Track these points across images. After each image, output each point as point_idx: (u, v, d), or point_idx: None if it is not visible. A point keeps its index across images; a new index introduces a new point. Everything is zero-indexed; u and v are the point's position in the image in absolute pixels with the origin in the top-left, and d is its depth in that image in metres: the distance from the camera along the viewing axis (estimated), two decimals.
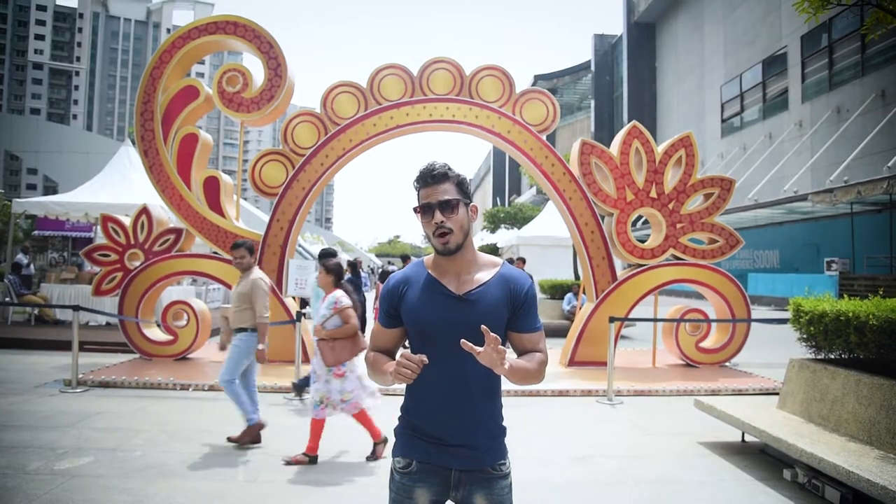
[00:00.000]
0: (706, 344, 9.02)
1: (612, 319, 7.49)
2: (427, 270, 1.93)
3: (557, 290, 14.37)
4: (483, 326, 1.67)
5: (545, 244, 17.39)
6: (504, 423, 1.97)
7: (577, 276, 14.94)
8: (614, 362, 7.31)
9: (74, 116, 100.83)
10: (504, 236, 24.23)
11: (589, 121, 49.90)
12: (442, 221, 1.83)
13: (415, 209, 1.91)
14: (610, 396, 6.98)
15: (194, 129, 8.88)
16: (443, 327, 1.83)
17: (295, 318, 7.71)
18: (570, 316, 12.45)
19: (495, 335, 1.66)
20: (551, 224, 17.02)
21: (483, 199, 79.47)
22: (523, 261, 12.06)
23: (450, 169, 1.90)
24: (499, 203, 52.82)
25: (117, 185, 13.27)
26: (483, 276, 1.90)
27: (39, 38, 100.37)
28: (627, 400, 7.07)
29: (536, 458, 4.86)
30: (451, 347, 1.75)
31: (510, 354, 1.77)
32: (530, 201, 39.82)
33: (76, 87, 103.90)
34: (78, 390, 6.96)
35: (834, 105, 22.65)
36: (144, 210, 8.96)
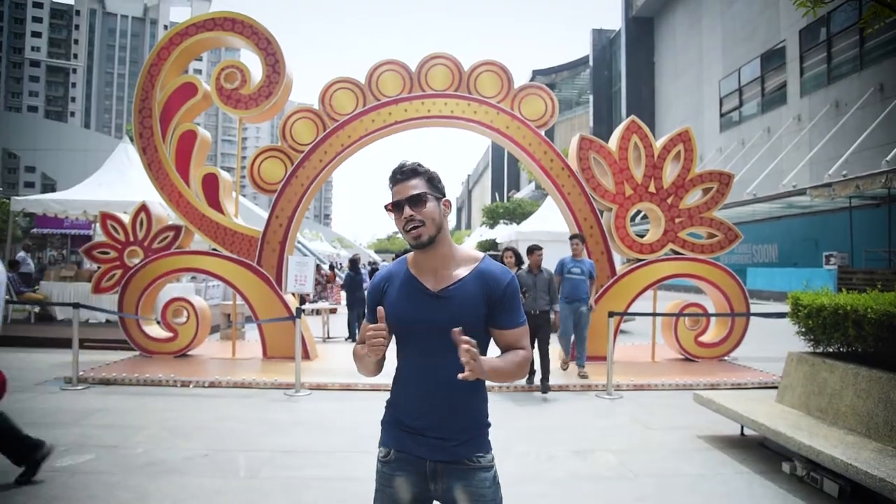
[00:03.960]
0: (705, 338, 9.04)
1: (611, 314, 7.50)
2: (407, 267, 1.95)
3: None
4: (454, 330, 1.67)
5: (544, 239, 17.34)
6: (489, 418, 1.97)
7: None
8: (613, 357, 7.32)
9: (72, 114, 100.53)
10: (503, 232, 24.22)
11: (587, 116, 49.93)
12: (411, 215, 1.84)
13: (386, 207, 1.92)
14: (609, 391, 7.00)
15: (192, 126, 8.87)
16: (420, 324, 1.85)
17: (295, 314, 7.72)
18: None
19: (467, 338, 1.66)
20: (550, 219, 16.96)
21: (482, 194, 79.46)
22: (583, 239, 8.54)
23: (419, 165, 1.92)
24: (497, 198, 52.84)
25: (116, 182, 13.21)
26: (461, 272, 1.90)
27: (36, 35, 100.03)
28: (627, 394, 7.09)
29: (536, 453, 4.87)
30: (429, 344, 1.80)
31: (493, 351, 1.80)
32: (529, 196, 39.80)
33: (74, 85, 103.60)
34: (79, 388, 6.97)
35: (832, 99, 22.65)
36: (143, 207, 8.95)
